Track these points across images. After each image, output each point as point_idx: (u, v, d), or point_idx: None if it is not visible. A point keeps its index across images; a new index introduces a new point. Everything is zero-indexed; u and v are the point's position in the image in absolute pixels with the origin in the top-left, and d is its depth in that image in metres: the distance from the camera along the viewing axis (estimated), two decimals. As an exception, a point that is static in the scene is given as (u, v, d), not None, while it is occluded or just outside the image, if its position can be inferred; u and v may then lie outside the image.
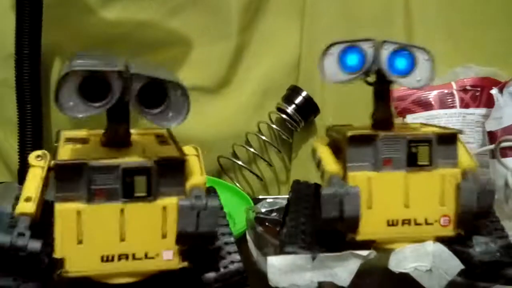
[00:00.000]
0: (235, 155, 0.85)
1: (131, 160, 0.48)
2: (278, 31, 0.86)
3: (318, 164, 0.57)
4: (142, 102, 0.46)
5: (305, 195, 0.61)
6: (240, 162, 0.84)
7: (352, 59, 0.54)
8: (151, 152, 0.49)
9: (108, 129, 0.50)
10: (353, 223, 0.52)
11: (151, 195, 0.48)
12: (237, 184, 0.85)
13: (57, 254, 0.47)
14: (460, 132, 0.55)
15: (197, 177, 0.50)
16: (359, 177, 0.54)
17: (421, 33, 0.88)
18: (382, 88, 0.56)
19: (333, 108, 0.87)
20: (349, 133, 0.54)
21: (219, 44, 0.84)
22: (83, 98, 0.45)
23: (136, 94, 0.46)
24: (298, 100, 0.84)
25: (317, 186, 0.62)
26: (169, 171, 0.49)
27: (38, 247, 0.46)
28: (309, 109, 0.84)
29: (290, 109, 0.84)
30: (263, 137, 0.84)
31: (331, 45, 0.55)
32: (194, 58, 0.84)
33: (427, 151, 0.54)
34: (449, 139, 0.55)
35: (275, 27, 0.86)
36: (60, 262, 0.47)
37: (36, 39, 0.75)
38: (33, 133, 0.75)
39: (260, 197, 0.82)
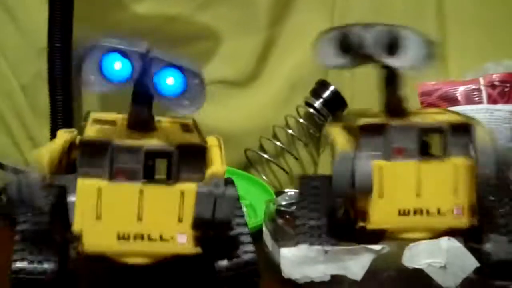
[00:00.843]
0: (262, 148, 0.86)
1: (154, 143, 0.50)
2: (308, 26, 0.85)
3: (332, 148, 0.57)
4: (160, 86, 0.48)
5: (313, 188, 0.61)
6: (266, 156, 0.85)
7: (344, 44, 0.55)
8: (174, 138, 0.51)
9: (131, 111, 0.52)
10: (367, 191, 0.52)
11: (171, 178, 0.50)
12: (264, 177, 0.86)
13: (76, 229, 0.49)
14: (476, 121, 0.54)
15: (217, 166, 0.51)
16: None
17: (454, 28, 0.86)
18: (387, 73, 0.56)
19: (363, 103, 0.86)
20: (360, 122, 0.54)
21: (248, 38, 0.85)
22: (103, 74, 0.47)
23: (154, 77, 0.47)
24: (326, 94, 0.84)
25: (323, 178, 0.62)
26: (190, 157, 0.50)
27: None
28: (337, 103, 0.83)
29: (317, 103, 0.84)
30: (290, 131, 0.84)
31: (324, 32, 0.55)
32: (223, 52, 0.85)
33: (439, 140, 0.54)
34: (463, 128, 0.54)
35: (305, 21, 0.86)
36: (78, 238, 0.49)
37: (68, 33, 0.77)
38: (64, 124, 0.77)
39: (286, 190, 0.82)
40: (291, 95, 0.86)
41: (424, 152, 0.55)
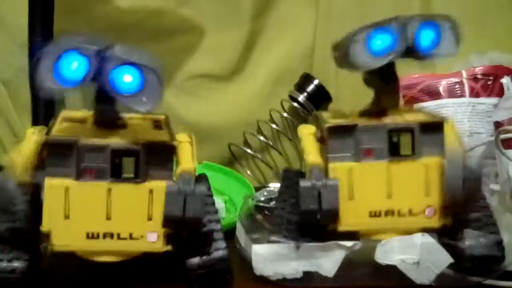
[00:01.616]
0: (246, 143, 0.85)
1: (121, 141, 0.49)
2: (292, 18, 0.85)
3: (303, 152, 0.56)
4: (116, 84, 0.47)
5: (294, 184, 0.60)
6: (249, 151, 0.84)
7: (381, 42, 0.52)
8: (143, 136, 0.51)
9: (95, 109, 0.52)
10: (332, 215, 0.52)
11: (138, 177, 0.49)
12: (249, 172, 0.85)
13: (44, 228, 0.49)
14: (446, 120, 0.54)
15: (187, 163, 0.51)
16: (339, 168, 0.53)
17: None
18: (388, 71, 0.54)
19: (348, 96, 0.85)
20: (328, 124, 0.53)
21: (232, 31, 0.84)
22: (60, 75, 0.46)
23: (110, 75, 0.47)
24: (310, 88, 0.83)
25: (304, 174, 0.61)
26: (158, 155, 0.50)
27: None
28: (321, 97, 0.83)
29: (301, 97, 0.83)
30: (274, 125, 0.84)
31: (357, 31, 0.52)
32: (206, 45, 0.85)
33: (409, 140, 0.53)
34: (433, 127, 0.54)
35: (289, 13, 0.85)
36: (47, 236, 0.49)
37: (48, 27, 0.76)
38: (46, 118, 0.77)
39: (271, 185, 0.82)
40: (276, 89, 0.86)
41: (395, 152, 0.54)
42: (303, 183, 0.51)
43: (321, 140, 0.55)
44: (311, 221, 0.52)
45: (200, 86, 0.86)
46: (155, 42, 0.83)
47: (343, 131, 0.53)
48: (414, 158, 0.53)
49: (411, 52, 0.53)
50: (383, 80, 0.55)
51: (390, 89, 0.56)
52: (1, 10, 0.82)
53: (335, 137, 0.53)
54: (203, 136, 0.86)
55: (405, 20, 0.52)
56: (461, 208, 0.53)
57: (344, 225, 0.53)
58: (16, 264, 0.50)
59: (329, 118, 0.55)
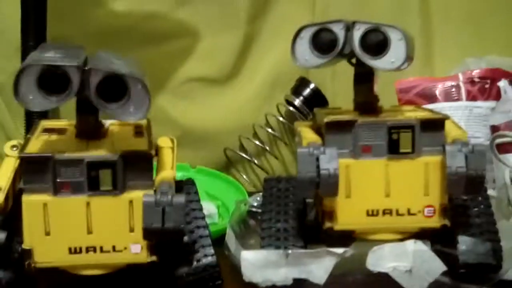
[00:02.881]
0: (242, 147, 0.84)
1: (96, 153, 0.48)
2: (288, 21, 0.83)
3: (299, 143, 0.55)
4: (102, 96, 0.46)
5: (277, 190, 0.60)
6: (245, 155, 0.83)
7: (324, 42, 0.52)
8: (120, 145, 0.50)
9: (77, 121, 0.51)
10: (331, 184, 0.50)
11: (117, 188, 0.48)
12: (244, 177, 0.84)
13: (25, 245, 0.48)
14: (447, 118, 0.53)
15: (166, 171, 0.50)
16: None
17: (438, 23, 0.84)
18: (361, 70, 0.54)
19: (344, 100, 0.84)
20: (326, 119, 0.52)
21: (227, 35, 0.83)
22: (42, 92, 0.45)
23: (95, 88, 0.46)
24: (306, 92, 0.82)
25: (288, 179, 0.60)
26: (135, 165, 0.49)
27: (2, 238, 0.47)
28: (317, 101, 0.82)
29: (297, 101, 0.82)
30: (269, 130, 0.83)
31: (302, 28, 0.53)
32: (201, 49, 0.84)
33: (409, 137, 0.52)
34: (434, 125, 0.53)
35: (285, 16, 0.84)
36: (29, 253, 0.48)
37: (41, 31, 0.76)
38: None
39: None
40: (272, 93, 0.85)
41: (394, 150, 0.53)
42: (301, 149, 0.50)
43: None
44: (310, 189, 0.50)
45: (196, 90, 0.85)
46: (150, 46, 0.82)
47: (342, 127, 0.52)
48: (413, 156, 0.52)
49: (354, 57, 0.53)
50: (355, 75, 0.56)
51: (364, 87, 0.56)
52: (-5, 14, 0.82)
53: (333, 132, 0.52)
54: (198, 140, 0.86)
55: (351, 25, 0.52)
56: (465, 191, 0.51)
57: (341, 224, 0.52)
58: (1, 275, 0.49)
59: (328, 114, 0.54)
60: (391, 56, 0.51)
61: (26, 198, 0.48)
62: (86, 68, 0.45)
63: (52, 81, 0.45)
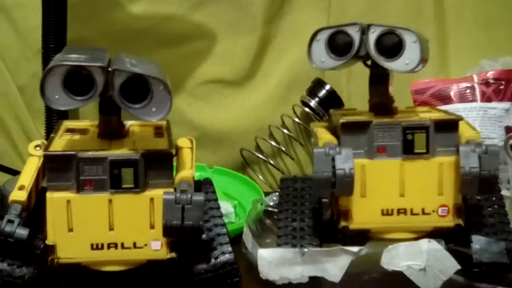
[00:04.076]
0: (258, 148, 0.85)
1: (119, 152, 0.50)
2: (304, 24, 0.85)
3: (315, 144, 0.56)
4: (125, 97, 0.48)
5: (294, 189, 0.61)
6: (261, 156, 0.84)
7: (339, 44, 0.54)
8: (142, 145, 0.51)
9: (100, 121, 0.52)
10: (346, 184, 0.51)
11: (138, 187, 0.50)
12: (260, 177, 0.85)
13: (49, 241, 0.50)
14: (461, 118, 0.53)
15: (186, 170, 0.52)
16: None
17: (453, 26, 0.85)
18: (376, 72, 0.55)
19: (359, 101, 0.85)
20: (342, 120, 0.53)
21: (244, 37, 0.85)
22: (67, 92, 0.47)
23: (118, 89, 0.47)
24: (322, 93, 0.83)
25: (304, 179, 0.61)
26: (156, 164, 0.50)
27: (25, 234, 0.48)
28: (332, 102, 0.82)
29: (313, 103, 0.83)
30: (285, 131, 0.84)
31: (318, 31, 0.54)
32: (218, 51, 0.85)
33: (423, 138, 0.53)
34: (448, 126, 0.53)
35: (301, 19, 0.85)
36: (52, 249, 0.50)
37: (62, 34, 0.77)
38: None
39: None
40: (288, 94, 0.86)
41: (409, 150, 0.54)
42: (317, 149, 0.51)
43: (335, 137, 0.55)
44: (326, 188, 0.51)
45: (213, 92, 0.86)
46: (168, 48, 0.84)
47: (357, 127, 0.53)
48: (428, 156, 0.53)
49: (369, 59, 0.54)
50: (371, 76, 0.57)
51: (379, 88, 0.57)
52: (16, 17, 0.83)
53: (349, 133, 0.53)
54: (215, 141, 0.87)
55: (367, 27, 0.53)
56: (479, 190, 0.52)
57: (356, 223, 0.53)
58: (25, 270, 0.51)
59: (343, 115, 0.55)
60: (406, 58, 0.52)
61: (50, 195, 0.49)
62: (110, 69, 0.47)
63: (77, 81, 0.47)
